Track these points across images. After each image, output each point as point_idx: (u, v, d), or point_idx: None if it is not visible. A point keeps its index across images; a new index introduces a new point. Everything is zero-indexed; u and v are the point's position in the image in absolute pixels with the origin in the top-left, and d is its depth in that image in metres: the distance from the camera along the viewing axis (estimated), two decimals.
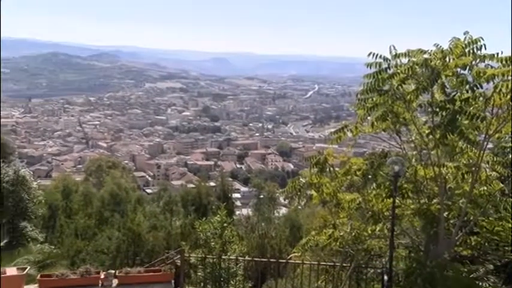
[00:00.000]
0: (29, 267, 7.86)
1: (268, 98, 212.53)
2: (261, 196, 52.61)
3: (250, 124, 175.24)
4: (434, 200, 9.75)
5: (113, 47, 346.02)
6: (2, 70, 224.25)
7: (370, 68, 9.16)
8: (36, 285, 7.35)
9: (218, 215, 14.11)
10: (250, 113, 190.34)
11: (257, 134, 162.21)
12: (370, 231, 10.16)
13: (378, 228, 10.08)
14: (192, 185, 48.43)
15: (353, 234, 10.20)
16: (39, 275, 7.70)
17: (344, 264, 10.52)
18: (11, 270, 7.58)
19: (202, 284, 11.98)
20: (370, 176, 10.01)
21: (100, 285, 7.59)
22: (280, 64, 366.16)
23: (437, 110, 8.97)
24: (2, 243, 13.25)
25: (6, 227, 21.39)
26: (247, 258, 13.78)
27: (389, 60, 9.08)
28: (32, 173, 28.89)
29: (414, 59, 9.01)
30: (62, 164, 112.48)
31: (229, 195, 39.80)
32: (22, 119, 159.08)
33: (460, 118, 8.73)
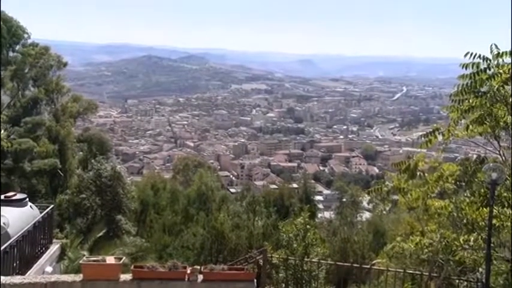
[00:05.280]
0: (124, 258, 8.39)
1: (354, 100, 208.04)
2: (344, 199, 51.75)
3: (335, 126, 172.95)
4: None
5: (201, 50, 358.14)
6: (104, 73, 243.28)
7: (466, 68, 8.65)
8: (130, 274, 7.80)
9: (301, 217, 14.13)
10: (334, 115, 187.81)
11: (341, 137, 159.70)
12: (462, 241, 9.56)
13: (471, 239, 9.47)
14: (274, 186, 48.78)
15: (443, 243, 9.66)
16: (132, 266, 8.17)
17: (433, 274, 10.02)
18: (110, 259, 8.15)
19: (283, 285, 12.04)
20: (463, 183, 9.46)
21: (186, 279, 7.85)
22: (367, 65, 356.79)
23: None
24: (101, 233, 14.31)
25: (105, 219, 23.12)
26: (329, 261, 13.63)
27: (490, 60, 8.51)
28: (126, 169, 30.87)
29: None
30: (152, 161, 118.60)
31: (312, 197, 39.64)
32: (119, 118, 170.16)
33: None
